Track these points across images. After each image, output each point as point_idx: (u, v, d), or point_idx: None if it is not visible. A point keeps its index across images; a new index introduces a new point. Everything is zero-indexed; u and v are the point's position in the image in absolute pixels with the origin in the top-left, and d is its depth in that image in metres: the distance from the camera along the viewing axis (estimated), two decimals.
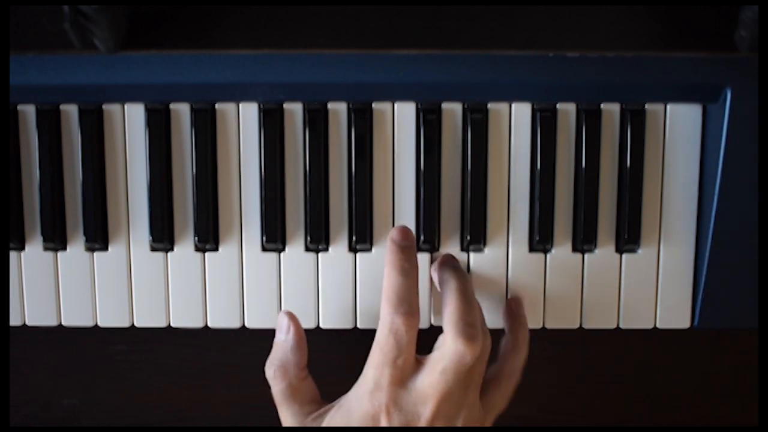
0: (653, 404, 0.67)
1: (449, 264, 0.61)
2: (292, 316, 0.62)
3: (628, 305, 0.64)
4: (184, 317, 0.64)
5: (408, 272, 0.58)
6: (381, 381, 0.56)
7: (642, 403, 0.67)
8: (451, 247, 0.63)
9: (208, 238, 0.63)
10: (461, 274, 0.60)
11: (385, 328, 0.56)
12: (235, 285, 0.64)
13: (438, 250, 0.64)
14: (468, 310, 0.57)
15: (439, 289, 0.61)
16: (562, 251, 0.64)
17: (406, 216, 0.63)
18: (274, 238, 0.63)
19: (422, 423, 0.56)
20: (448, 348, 0.56)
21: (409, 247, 0.59)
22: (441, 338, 0.57)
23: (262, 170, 0.63)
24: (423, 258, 0.64)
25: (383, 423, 0.56)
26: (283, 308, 0.64)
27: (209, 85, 0.61)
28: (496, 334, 0.65)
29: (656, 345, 0.66)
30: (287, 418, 0.60)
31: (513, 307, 0.63)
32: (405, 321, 0.56)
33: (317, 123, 0.62)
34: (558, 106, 0.63)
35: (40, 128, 0.62)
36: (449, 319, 0.56)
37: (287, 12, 0.60)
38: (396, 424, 0.56)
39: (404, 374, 0.56)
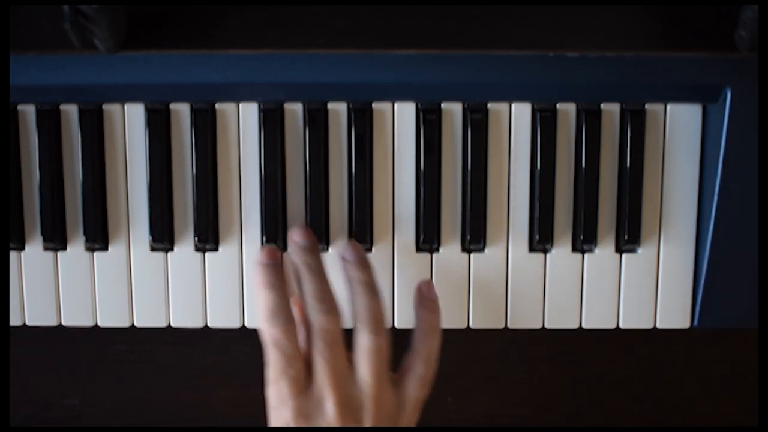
0: (653, 404, 0.67)
1: (297, 244, 0.61)
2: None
3: (628, 305, 0.64)
4: (184, 317, 0.64)
5: (276, 285, 0.59)
6: (281, 394, 0.57)
7: (642, 403, 0.67)
8: (451, 247, 0.63)
9: (208, 238, 0.63)
10: (310, 252, 0.60)
11: (269, 345, 0.57)
12: (235, 285, 0.64)
13: (438, 250, 0.64)
14: (319, 288, 0.58)
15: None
16: (562, 251, 0.64)
17: (406, 216, 0.63)
18: (274, 238, 0.63)
19: (330, 420, 0.56)
20: (313, 328, 0.57)
21: (273, 266, 0.60)
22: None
23: (262, 170, 0.63)
24: (423, 258, 0.64)
25: None
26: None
27: (209, 85, 0.61)
28: (496, 334, 0.65)
29: (656, 345, 0.66)
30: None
31: (424, 290, 0.63)
32: (282, 330, 0.57)
33: (317, 123, 0.62)
34: (558, 106, 0.63)
35: (40, 128, 0.62)
36: (305, 302, 0.58)
37: (287, 12, 0.60)
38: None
39: (300, 382, 0.57)
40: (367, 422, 0.56)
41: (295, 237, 0.61)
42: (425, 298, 0.62)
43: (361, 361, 0.57)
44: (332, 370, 0.56)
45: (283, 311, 0.58)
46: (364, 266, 0.61)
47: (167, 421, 0.67)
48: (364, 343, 0.57)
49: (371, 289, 0.59)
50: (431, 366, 0.61)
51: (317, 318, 0.57)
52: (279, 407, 0.57)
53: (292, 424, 0.56)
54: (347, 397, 0.56)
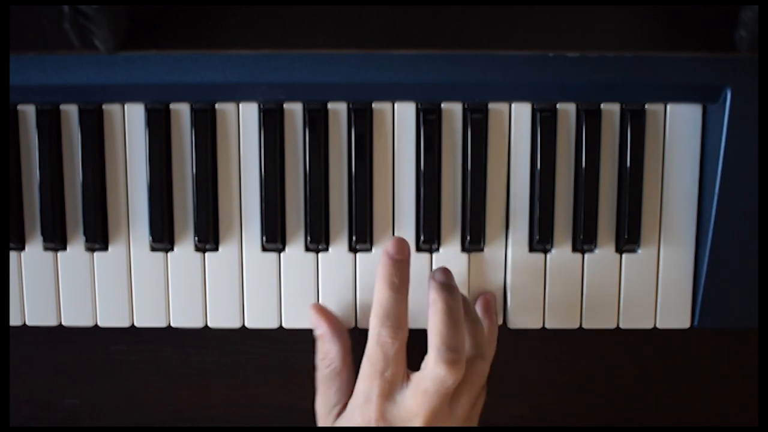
0: (653, 404, 0.67)
1: (441, 281, 0.59)
2: (319, 310, 0.63)
3: (628, 305, 0.64)
4: (184, 317, 0.64)
5: (397, 287, 0.58)
6: (370, 393, 0.57)
7: (642, 403, 0.67)
8: (451, 247, 0.63)
9: (208, 238, 0.63)
10: (451, 293, 0.58)
11: (372, 341, 0.58)
12: (235, 285, 0.64)
13: (438, 250, 0.64)
14: (451, 335, 0.56)
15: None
16: (562, 251, 0.64)
17: (406, 216, 0.63)
18: (274, 238, 0.63)
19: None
20: (430, 371, 0.56)
21: (401, 262, 0.59)
22: (426, 359, 0.57)
23: (262, 170, 0.63)
24: (423, 258, 0.64)
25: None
26: (283, 308, 0.64)
27: (209, 85, 0.61)
28: (497, 335, 0.65)
29: (656, 345, 0.66)
30: (318, 399, 0.62)
31: (489, 302, 0.63)
32: (391, 333, 0.57)
33: (317, 123, 0.62)
34: (558, 106, 0.63)
35: (40, 128, 0.62)
36: (432, 342, 0.57)
37: (287, 12, 0.60)
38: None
39: (392, 387, 0.57)
40: None
41: (439, 277, 0.59)
42: (491, 309, 0.63)
43: (465, 389, 0.58)
44: (431, 409, 0.56)
45: (396, 313, 0.58)
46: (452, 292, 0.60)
47: (167, 421, 0.67)
48: (475, 376, 0.59)
49: (470, 313, 0.60)
50: (489, 361, 0.62)
51: (439, 365, 0.56)
52: (364, 404, 0.57)
53: (373, 423, 0.57)
54: (435, 427, 0.57)
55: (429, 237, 0.63)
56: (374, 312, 0.58)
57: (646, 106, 0.62)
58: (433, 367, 0.56)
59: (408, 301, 0.59)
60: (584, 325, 0.64)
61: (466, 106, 0.63)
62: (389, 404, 0.57)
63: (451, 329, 0.57)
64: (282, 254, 0.64)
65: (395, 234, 0.63)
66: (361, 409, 0.58)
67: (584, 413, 0.67)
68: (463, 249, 0.64)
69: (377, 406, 0.57)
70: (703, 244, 0.63)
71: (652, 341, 0.66)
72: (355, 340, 0.64)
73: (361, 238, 0.63)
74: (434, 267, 0.64)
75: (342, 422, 0.59)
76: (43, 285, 0.64)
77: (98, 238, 0.63)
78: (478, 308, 0.63)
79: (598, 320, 0.64)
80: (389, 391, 0.57)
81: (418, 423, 0.56)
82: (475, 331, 0.60)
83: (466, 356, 0.58)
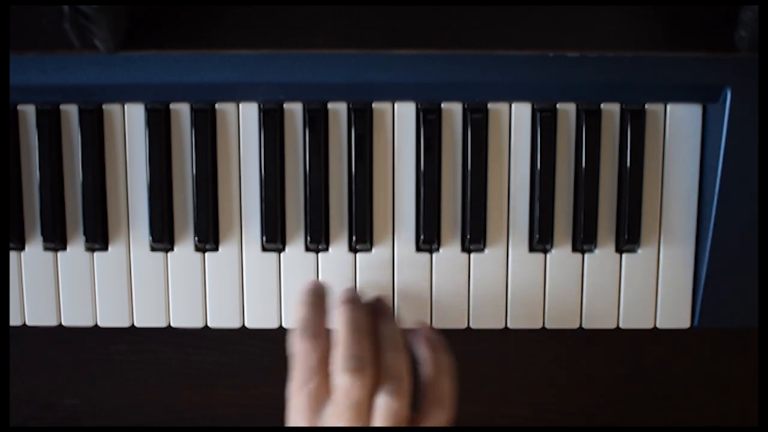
0: (653, 404, 0.67)
1: (344, 298, 0.59)
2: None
3: (628, 305, 0.64)
4: (184, 317, 0.64)
5: (310, 303, 0.59)
6: (299, 407, 0.57)
7: (642, 403, 0.67)
8: (451, 247, 0.63)
9: (208, 238, 0.63)
10: (353, 306, 0.58)
11: (295, 357, 0.57)
12: (235, 285, 0.64)
13: (438, 250, 0.64)
14: (353, 344, 0.56)
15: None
16: (562, 251, 0.64)
17: (406, 216, 0.63)
18: (274, 238, 0.63)
19: None
20: (336, 382, 0.55)
21: (314, 288, 0.60)
22: None
23: (262, 170, 0.63)
24: (423, 258, 0.64)
25: None
26: (283, 308, 0.64)
27: (209, 85, 0.61)
28: (496, 334, 0.65)
29: (656, 345, 0.66)
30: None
31: (425, 331, 0.60)
32: (308, 346, 0.57)
33: (317, 123, 0.62)
34: (558, 106, 0.63)
35: (40, 128, 0.62)
36: (337, 353, 0.56)
37: (287, 12, 0.60)
38: None
39: (317, 400, 0.56)
40: None
41: (342, 295, 0.60)
42: (428, 338, 0.60)
43: (377, 419, 0.55)
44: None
45: (312, 325, 0.58)
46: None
47: (167, 421, 0.67)
48: (382, 401, 0.55)
49: (393, 343, 0.58)
50: (448, 410, 0.58)
51: (342, 375, 0.55)
52: (293, 417, 0.57)
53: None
54: None
55: (429, 237, 0.63)
56: (293, 332, 0.58)
57: (646, 106, 0.62)
58: (338, 377, 0.55)
59: (326, 317, 0.59)
60: (584, 325, 0.64)
61: (466, 106, 0.63)
62: (317, 418, 0.56)
63: (352, 338, 0.56)
64: (282, 254, 0.64)
65: (396, 236, 0.63)
66: (293, 421, 0.57)
67: (584, 413, 0.67)
68: (463, 249, 0.64)
69: (308, 420, 0.56)
70: (703, 244, 0.63)
71: (652, 341, 0.66)
72: None
73: (361, 238, 0.63)
74: (434, 267, 0.64)
75: None
76: (43, 285, 0.64)
77: (98, 238, 0.63)
78: (421, 346, 0.60)
79: (598, 320, 0.64)
80: (315, 405, 0.56)
81: None
82: (392, 359, 0.57)
83: (387, 386, 0.56)
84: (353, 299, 0.59)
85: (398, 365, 0.57)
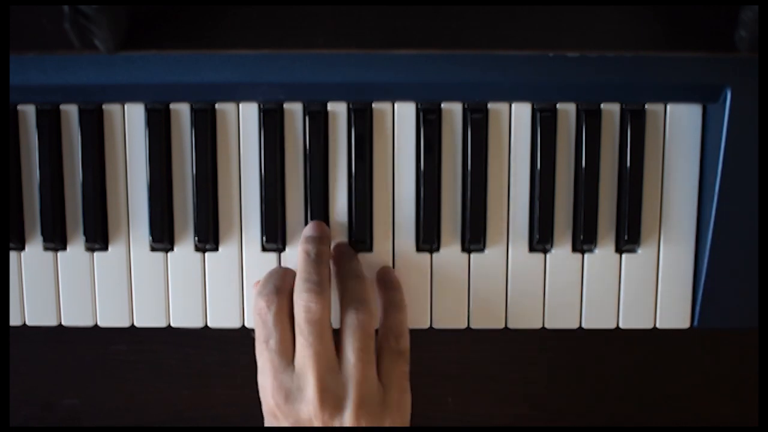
0: (653, 404, 0.67)
1: (306, 235, 0.61)
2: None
3: (628, 305, 0.64)
4: (184, 317, 0.64)
5: (274, 269, 0.61)
6: (263, 367, 0.57)
7: (642, 403, 0.67)
8: (451, 247, 0.63)
9: (208, 238, 0.63)
10: (313, 242, 0.60)
11: (253, 313, 0.58)
12: (235, 285, 0.64)
13: (438, 250, 0.64)
14: (310, 270, 0.58)
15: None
16: (562, 251, 0.64)
17: (406, 216, 0.63)
18: (274, 238, 0.63)
19: (309, 404, 0.55)
20: (296, 304, 0.57)
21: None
22: None
23: (262, 170, 0.63)
24: (423, 258, 0.64)
25: (279, 415, 0.56)
26: None
27: (209, 85, 0.61)
28: (496, 334, 0.65)
29: (656, 345, 0.66)
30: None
31: (383, 274, 0.63)
32: (266, 302, 0.57)
33: (317, 123, 0.62)
34: (558, 106, 0.63)
35: (40, 128, 0.62)
36: (297, 281, 0.58)
37: (287, 12, 0.60)
38: (286, 410, 0.56)
39: (280, 355, 0.57)
40: (349, 408, 0.55)
41: (306, 231, 0.62)
42: (385, 279, 0.63)
43: (346, 339, 0.57)
44: (314, 352, 0.55)
45: (271, 282, 0.58)
46: (341, 251, 0.62)
47: (167, 421, 0.67)
48: (347, 320, 0.57)
49: (352, 271, 0.60)
50: (404, 338, 0.60)
51: (300, 296, 0.57)
52: (262, 378, 0.57)
53: (270, 400, 0.56)
54: (328, 381, 0.55)
55: (429, 237, 0.63)
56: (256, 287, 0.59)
57: (646, 106, 0.62)
58: (296, 301, 0.57)
59: (292, 276, 0.59)
60: (584, 325, 0.64)
61: (466, 106, 0.63)
62: (284, 376, 0.56)
63: (309, 265, 0.58)
64: (282, 254, 0.64)
65: (395, 236, 0.63)
66: (261, 379, 0.57)
67: (584, 413, 0.67)
68: (463, 249, 0.64)
69: (271, 379, 0.56)
70: (703, 244, 0.63)
71: (652, 341, 0.66)
72: None
73: (362, 238, 0.63)
74: (434, 267, 0.64)
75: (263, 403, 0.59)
76: (43, 285, 0.64)
77: (98, 238, 0.63)
78: (376, 285, 0.63)
79: (598, 320, 0.64)
80: (279, 361, 0.56)
81: (309, 375, 0.55)
82: (353, 285, 0.59)
83: (350, 311, 0.57)
84: (313, 237, 0.60)
85: (360, 289, 0.59)
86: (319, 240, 0.60)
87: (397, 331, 0.60)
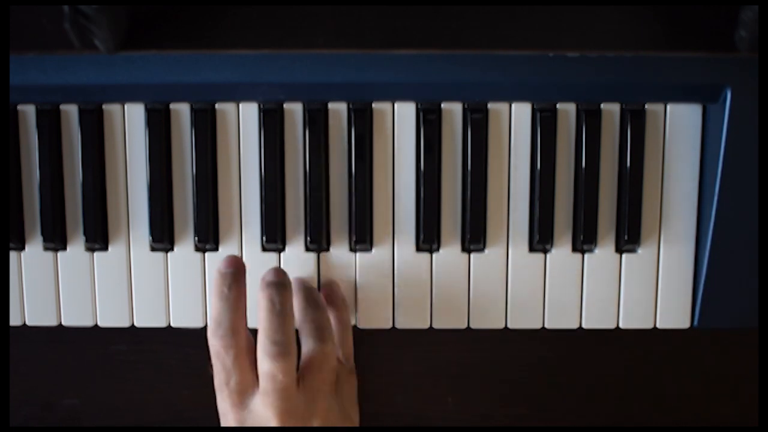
0: (653, 404, 0.67)
1: (267, 280, 0.59)
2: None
3: (628, 305, 0.64)
4: (184, 317, 0.64)
5: (225, 296, 0.58)
6: (224, 407, 0.58)
7: (642, 403, 0.67)
8: (451, 247, 0.63)
9: (208, 238, 0.63)
10: (276, 289, 0.58)
11: (211, 354, 0.58)
12: None
13: (438, 250, 0.64)
14: (274, 328, 0.57)
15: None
16: (562, 251, 0.64)
17: (406, 216, 0.63)
18: (274, 238, 0.63)
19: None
20: (260, 370, 0.56)
21: (229, 273, 0.59)
22: None
23: (262, 170, 0.63)
24: (423, 258, 0.64)
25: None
26: None
27: (209, 85, 0.61)
28: (496, 334, 0.65)
29: (656, 345, 0.66)
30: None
31: (330, 293, 0.63)
32: (222, 343, 0.57)
33: (317, 123, 0.62)
34: (558, 106, 0.63)
35: (40, 128, 0.62)
36: (259, 339, 0.57)
37: (287, 12, 0.60)
38: None
39: (242, 396, 0.57)
40: (316, 422, 0.57)
41: (267, 276, 0.59)
42: (332, 297, 0.63)
43: (311, 370, 0.57)
44: (279, 412, 0.56)
45: (226, 322, 0.58)
46: (299, 288, 0.62)
47: (167, 421, 0.67)
48: (311, 350, 0.58)
49: (313, 302, 0.60)
50: (351, 357, 0.64)
51: (265, 361, 0.56)
52: (223, 417, 0.58)
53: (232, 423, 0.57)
54: (291, 419, 0.56)
55: (429, 237, 0.63)
56: (208, 326, 0.58)
57: (646, 106, 0.62)
58: (261, 364, 0.56)
59: (243, 309, 0.59)
60: (584, 325, 0.64)
61: (466, 106, 0.63)
62: (244, 413, 0.57)
63: (274, 323, 0.57)
64: (282, 254, 0.64)
65: (395, 236, 0.63)
66: (224, 420, 0.58)
67: (584, 413, 0.67)
68: (463, 249, 0.64)
69: (234, 417, 0.57)
70: (703, 244, 0.63)
71: (652, 341, 0.66)
72: (354, 339, 0.64)
73: (361, 238, 0.63)
74: (434, 267, 0.64)
75: None
76: (43, 285, 0.64)
77: (98, 238, 0.63)
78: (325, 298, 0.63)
79: (598, 320, 0.64)
80: (240, 401, 0.57)
81: (273, 424, 0.56)
82: (315, 317, 0.59)
83: (313, 342, 0.58)
84: (276, 283, 0.59)
85: (321, 319, 0.59)
86: (282, 286, 0.59)
87: (347, 352, 0.63)
